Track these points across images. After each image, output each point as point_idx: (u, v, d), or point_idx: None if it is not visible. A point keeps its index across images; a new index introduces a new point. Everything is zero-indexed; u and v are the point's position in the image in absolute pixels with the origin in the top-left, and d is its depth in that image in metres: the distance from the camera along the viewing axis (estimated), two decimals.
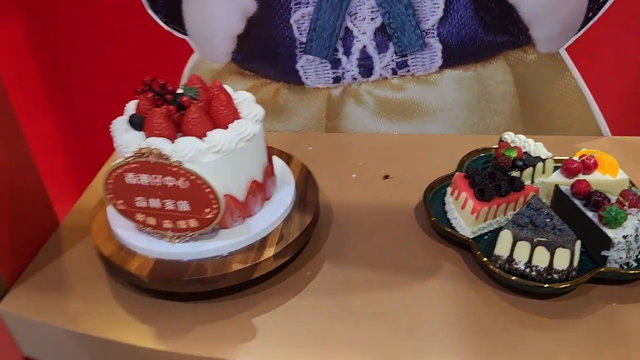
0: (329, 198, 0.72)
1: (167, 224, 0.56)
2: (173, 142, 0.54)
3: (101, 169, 0.80)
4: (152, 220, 0.56)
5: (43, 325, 0.57)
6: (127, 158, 0.53)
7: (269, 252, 0.57)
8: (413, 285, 0.59)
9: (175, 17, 0.82)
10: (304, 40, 0.81)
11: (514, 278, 0.56)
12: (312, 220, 0.63)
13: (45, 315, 0.58)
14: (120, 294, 0.60)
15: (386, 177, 0.77)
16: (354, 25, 0.79)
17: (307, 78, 0.85)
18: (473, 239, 0.62)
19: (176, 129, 0.56)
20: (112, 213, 0.61)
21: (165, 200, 0.55)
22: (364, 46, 0.81)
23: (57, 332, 0.57)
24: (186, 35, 0.84)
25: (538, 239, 0.56)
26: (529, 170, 0.68)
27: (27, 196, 0.65)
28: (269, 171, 0.64)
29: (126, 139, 0.56)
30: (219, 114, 0.57)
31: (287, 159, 0.73)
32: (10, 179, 0.62)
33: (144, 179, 0.54)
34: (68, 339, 0.57)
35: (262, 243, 0.59)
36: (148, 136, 0.55)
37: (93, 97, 0.93)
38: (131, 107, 0.61)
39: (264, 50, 0.83)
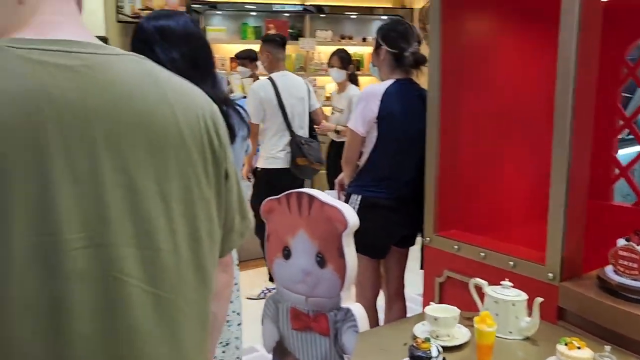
0: None
1: (627, 271, 1.70)
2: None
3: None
4: (622, 269, 1.72)
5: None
6: (621, 246, 1.72)
7: None
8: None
9: None
10: None
11: None
12: None
13: (580, 289, 1.80)
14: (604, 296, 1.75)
15: None
16: None
17: None
18: None
19: None
20: (608, 270, 1.79)
21: (630, 262, 1.70)
22: None
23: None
24: None
25: None
26: None
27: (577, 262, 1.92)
28: None
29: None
30: None
31: None
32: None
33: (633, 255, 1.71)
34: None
35: None
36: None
37: None
38: None
39: None
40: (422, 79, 2.50)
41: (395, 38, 2.45)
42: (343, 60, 4.08)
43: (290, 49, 6.25)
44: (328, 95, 5.89)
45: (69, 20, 0.81)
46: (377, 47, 2.51)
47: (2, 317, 0.68)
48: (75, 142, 0.72)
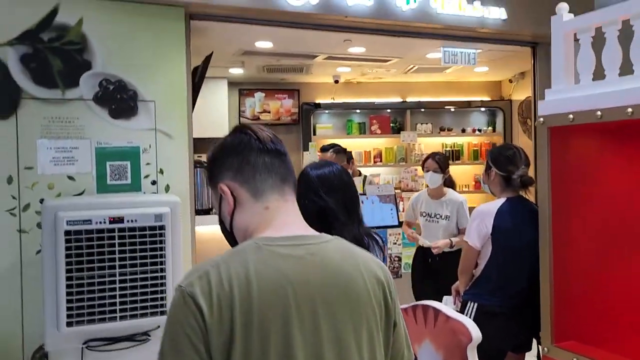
0: None
1: None
2: None
3: None
4: None
5: None
6: None
7: None
8: None
9: None
10: None
11: None
12: None
13: None
14: None
15: None
16: None
17: None
18: None
19: None
20: None
21: None
22: None
23: None
24: None
25: None
26: None
27: None
28: None
29: None
30: None
31: None
32: None
33: None
34: None
35: None
36: None
37: None
38: None
39: None
40: (532, 196, 2.70)
41: (504, 162, 2.70)
42: (440, 164, 3.83)
43: (392, 141, 6.66)
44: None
45: (295, 219, 1.18)
46: (488, 169, 2.76)
47: None
48: (304, 309, 1.05)
